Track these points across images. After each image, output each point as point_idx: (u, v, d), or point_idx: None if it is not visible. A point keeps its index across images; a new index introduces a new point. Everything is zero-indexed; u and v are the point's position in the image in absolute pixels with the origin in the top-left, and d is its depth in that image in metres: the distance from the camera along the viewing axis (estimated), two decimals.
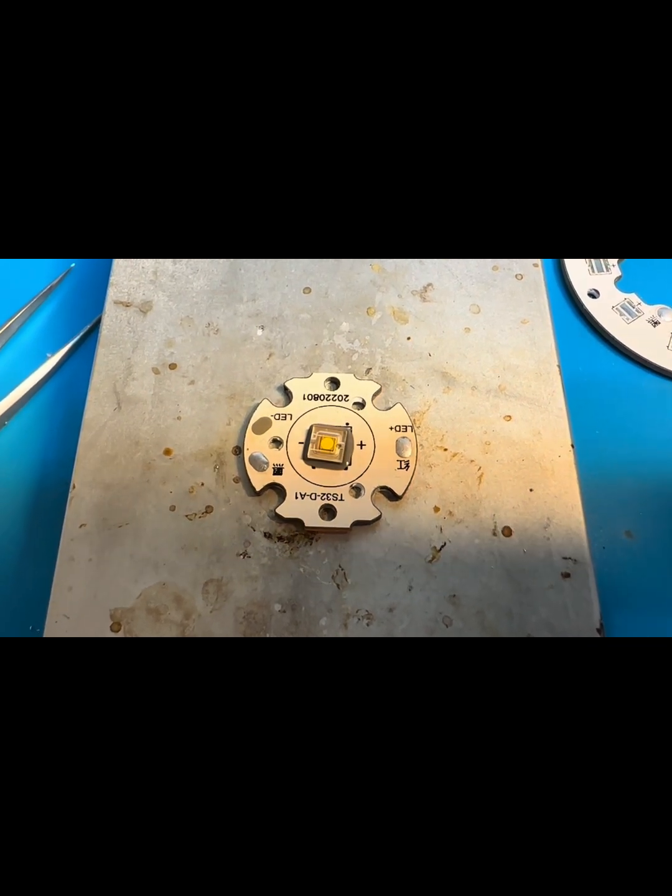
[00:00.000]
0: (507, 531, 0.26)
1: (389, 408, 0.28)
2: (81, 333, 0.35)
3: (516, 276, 0.31)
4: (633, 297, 0.36)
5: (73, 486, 0.27)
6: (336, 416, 0.27)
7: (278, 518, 0.26)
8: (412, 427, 0.27)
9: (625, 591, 0.29)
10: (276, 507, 0.26)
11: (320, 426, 0.27)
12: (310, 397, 0.28)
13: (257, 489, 0.26)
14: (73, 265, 0.38)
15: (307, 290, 0.31)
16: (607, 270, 0.37)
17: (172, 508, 0.26)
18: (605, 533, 0.31)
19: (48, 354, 0.35)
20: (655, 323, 0.35)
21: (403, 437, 0.27)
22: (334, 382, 0.28)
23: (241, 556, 0.25)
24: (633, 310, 0.36)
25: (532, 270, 0.31)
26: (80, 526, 0.26)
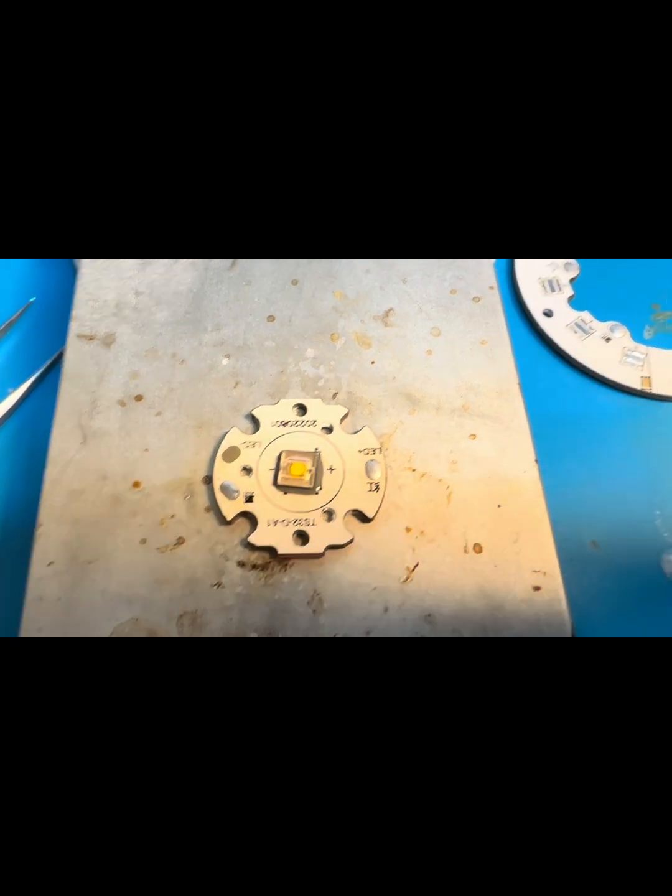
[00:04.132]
0: (478, 548, 0.26)
1: (357, 431, 0.28)
2: (43, 368, 0.35)
3: (474, 298, 0.32)
4: (586, 316, 0.37)
5: (40, 524, 0.26)
6: (305, 441, 0.28)
7: (251, 546, 0.26)
8: (380, 449, 0.28)
9: (593, 599, 0.30)
10: (249, 535, 0.26)
11: (290, 452, 0.27)
12: (278, 424, 0.28)
13: (229, 518, 0.26)
14: (32, 299, 0.37)
15: (271, 318, 0.31)
16: (560, 290, 0.38)
17: (143, 541, 0.26)
18: (572, 544, 0.31)
19: (10, 389, 0.34)
20: (608, 339, 0.37)
21: (372, 460, 0.27)
22: (302, 408, 0.28)
23: (216, 587, 0.25)
24: (587, 327, 0.37)
25: (488, 293, 0.32)
26: (48, 564, 0.25)
